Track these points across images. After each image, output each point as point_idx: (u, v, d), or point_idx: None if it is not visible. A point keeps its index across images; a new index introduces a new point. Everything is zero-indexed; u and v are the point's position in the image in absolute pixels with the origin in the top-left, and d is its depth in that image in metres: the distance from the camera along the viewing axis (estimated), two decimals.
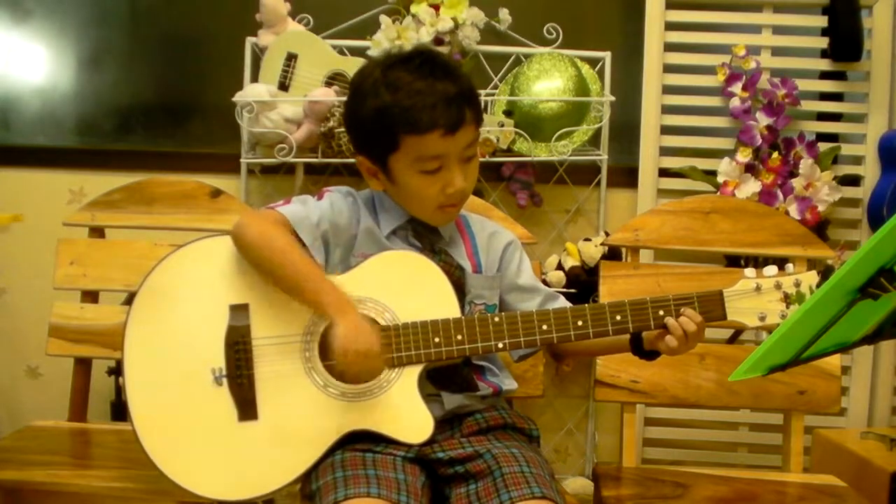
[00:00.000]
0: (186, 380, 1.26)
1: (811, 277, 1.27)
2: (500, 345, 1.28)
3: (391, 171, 1.32)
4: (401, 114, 1.26)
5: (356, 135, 1.36)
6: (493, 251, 1.43)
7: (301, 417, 1.25)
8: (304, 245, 1.29)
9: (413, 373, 1.26)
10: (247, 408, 1.25)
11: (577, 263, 2.11)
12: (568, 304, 1.42)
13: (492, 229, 1.46)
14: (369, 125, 1.30)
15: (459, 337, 1.27)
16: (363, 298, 1.28)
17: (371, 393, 1.26)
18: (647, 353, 1.34)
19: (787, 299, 1.27)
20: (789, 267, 1.29)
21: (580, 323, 1.28)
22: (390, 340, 1.26)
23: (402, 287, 1.30)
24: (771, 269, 1.29)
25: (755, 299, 1.28)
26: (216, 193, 1.75)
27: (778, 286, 1.28)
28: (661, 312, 1.28)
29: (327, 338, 1.24)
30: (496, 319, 1.28)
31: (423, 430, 1.24)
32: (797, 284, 1.27)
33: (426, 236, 1.37)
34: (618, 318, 1.28)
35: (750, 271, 1.29)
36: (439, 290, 1.29)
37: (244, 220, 1.29)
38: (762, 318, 1.27)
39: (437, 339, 1.26)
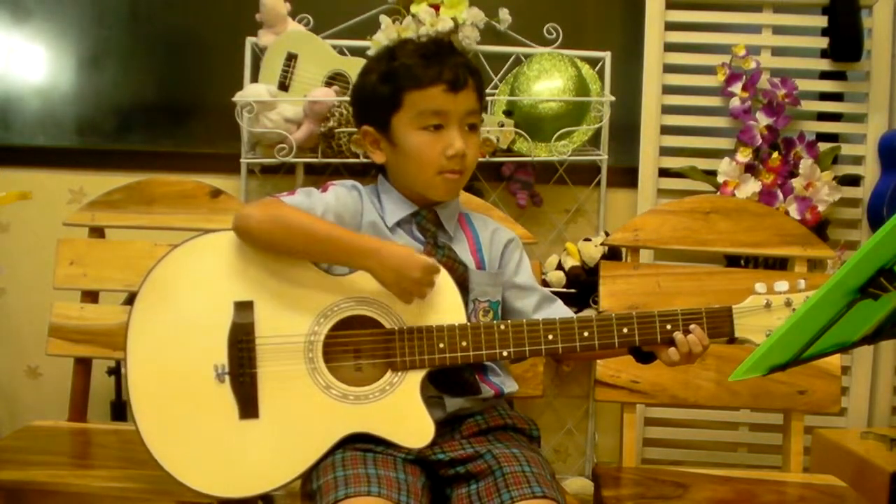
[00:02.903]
0: (188, 375, 1.25)
1: None
2: (505, 353, 1.27)
3: (393, 134, 1.33)
4: (404, 72, 1.31)
5: (361, 105, 1.40)
6: (495, 248, 1.43)
7: (302, 418, 1.25)
8: None
9: (416, 377, 1.26)
10: (248, 406, 1.24)
11: (577, 263, 2.11)
12: (565, 308, 1.43)
13: (494, 227, 1.46)
14: (374, 90, 1.34)
15: (464, 343, 1.26)
16: (368, 299, 1.28)
17: (373, 396, 1.25)
18: (643, 355, 1.33)
19: None
20: (801, 283, 1.25)
21: (586, 334, 1.28)
22: (394, 344, 1.26)
23: None
24: (782, 285, 1.25)
25: (764, 316, 1.25)
26: (216, 193, 1.75)
27: (788, 303, 1.25)
28: (669, 327, 1.27)
29: (378, 279, 1.24)
30: (502, 327, 1.28)
31: (423, 435, 1.24)
32: None
33: (430, 230, 1.37)
34: (624, 330, 1.27)
35: (760, 286, 1.25)
36: (446, 294, 1.29)
37: (247, 211, 1.28)
38: (769, 336, 1.25)
39: (441, 345, 1.26)
